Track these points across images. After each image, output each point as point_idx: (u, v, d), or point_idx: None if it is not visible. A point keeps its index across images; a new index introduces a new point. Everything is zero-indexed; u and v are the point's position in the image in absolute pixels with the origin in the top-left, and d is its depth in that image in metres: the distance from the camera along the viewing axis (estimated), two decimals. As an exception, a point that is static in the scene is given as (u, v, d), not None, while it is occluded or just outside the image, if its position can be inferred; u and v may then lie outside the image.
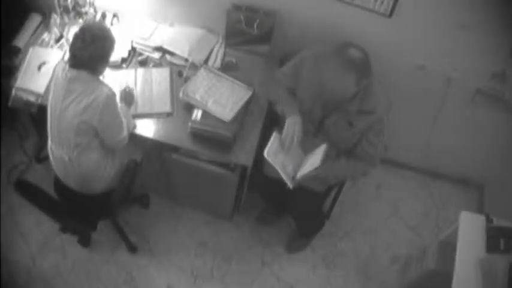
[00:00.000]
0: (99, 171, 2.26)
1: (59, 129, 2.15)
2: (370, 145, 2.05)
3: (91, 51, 2.01)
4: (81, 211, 2.33)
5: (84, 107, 2.04)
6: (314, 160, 2.07)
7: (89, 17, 2.58)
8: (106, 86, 2.11)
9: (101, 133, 2.15)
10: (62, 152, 2.20)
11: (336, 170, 2.15)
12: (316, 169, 2.06)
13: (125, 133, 2.19)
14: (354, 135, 2.05)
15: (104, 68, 2.15)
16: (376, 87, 2.00)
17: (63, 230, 2.70)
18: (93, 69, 2.07)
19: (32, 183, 2.21)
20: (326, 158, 2.09)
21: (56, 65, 2.20)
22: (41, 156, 2.96)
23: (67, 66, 2.06)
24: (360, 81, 1.88)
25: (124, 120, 2.19)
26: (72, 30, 2.55)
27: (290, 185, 2.09)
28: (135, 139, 2.32)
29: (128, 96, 2.35)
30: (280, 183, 2.21)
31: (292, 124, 2.06)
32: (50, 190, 2.33)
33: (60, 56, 2.45)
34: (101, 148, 2.22)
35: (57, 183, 2.36)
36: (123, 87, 2.37)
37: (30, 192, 2.19)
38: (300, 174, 2.10)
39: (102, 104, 2.05)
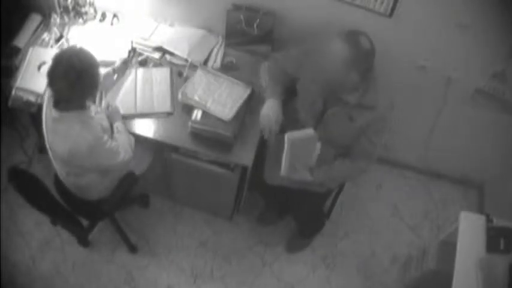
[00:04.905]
0: (96, 185, 2.26)
1: (53, 155, 2.14)
2: (369, 143, 2.02)
3: (79, 89, 1.87)
4: (75, 211, 2.34)
5: (69, 150, 1.98)
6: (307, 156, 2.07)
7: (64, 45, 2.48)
8: (90, 131, 1.97)
9: (95, 168, 2.13)
10: (60, 168, 2.21)
11: (333, 173, 2.13)
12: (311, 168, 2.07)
13: (121, 157, 2.11)
14: (353, 130, 2.02)
15: (94, 95, 2.01)
16: (379, 84, 1.98)
17: (54, 222, 2.68)
18: (82, 103, 1.96)
19: (26, 170, 2.19)
20: (322, 162, 2.08)
21: (45, 93, 2.09)
22: (44, 148, 2.94)
23: (51, 103, 1.95)
24: (364, 71, 1.87)
25: (118, 145, 2.11)
26: (72, 30, 2.56)
27: (282, 172, 2.08)
28: (145, 145, 2.33)
29: (114, 114, 2.25)
30: (282, 186, 2.22)
31: (268, 107, 2.07)
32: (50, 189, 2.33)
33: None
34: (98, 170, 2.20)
35: (57, 179, 2.35)
36: (105, 108, 2.27)
37: (23, 180, 2.16)
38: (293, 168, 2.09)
39: (86, 152, 1.97)
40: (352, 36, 1.83)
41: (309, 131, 1.98)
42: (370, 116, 1.97)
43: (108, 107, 2.29)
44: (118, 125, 2.23)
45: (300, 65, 2.11)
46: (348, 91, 1.94)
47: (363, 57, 1.84)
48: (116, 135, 2.19)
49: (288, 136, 1.96)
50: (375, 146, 2.04)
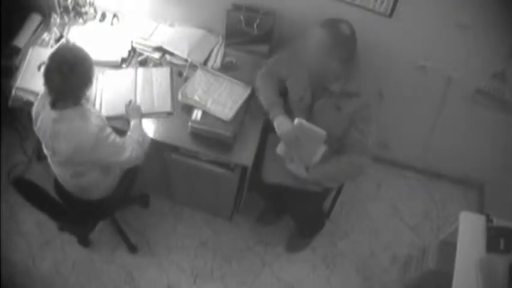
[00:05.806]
0: (98, 184, 2.26)
1: (55, 160, 2.14)
2: (359, 132, 2.04)
3: (73, 82, 1.88)
4: (78, 212, 2.33)
5: (74, 147, 1.98)
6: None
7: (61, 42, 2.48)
8: (91, 123, 1.98)
9: (99, 163, 2.12)
10: (60, 171, 2.21)
11: (328, 170, 2.14)
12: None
13: (127, 155, 2.11)
14: (341, 120, 2.04)
15: (88, 89, 2.02)
16: (362, 71, 2.02)
17: (62, 228, 2.69)
18: (78, 99, 1.97)
19: (31, 180, 2.20)
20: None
21: (39, 99, 2.08)
22: (41, 155, 2.95)
23: (48, 105, 1.97)
24: (346, 59, 1.90)
25: (124, 141, 2.11)
26: (72, 30, 2.56)
27: (278, 149, 2.17)
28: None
29: (133, 111, 2.27)
30: (280, 186, 2.23)
31: (284, 125, 2.10)
32: (50, 190, 2.32)
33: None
34: (101, 167, 2.19)
35: (57, 182, 2.35)
36: (127, 103, 2.29)
37: (28, 189, 2.17)
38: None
39: (91, 145, 1.97)
40: (331, 23, 1.89)
41: (321, 130, 2.01)
42: (355, 103, 2.00)
43: (129, 103, 2.29)
44: (135, 123, 2.22)
45: (290, 65, 2.15)
46: (332, 80, 1.98)
47: (342, 43, 1.87)
48: (128, 132, 2.19)
49: (298, 119, 2.02)
50: (364, 135, 2.04)
